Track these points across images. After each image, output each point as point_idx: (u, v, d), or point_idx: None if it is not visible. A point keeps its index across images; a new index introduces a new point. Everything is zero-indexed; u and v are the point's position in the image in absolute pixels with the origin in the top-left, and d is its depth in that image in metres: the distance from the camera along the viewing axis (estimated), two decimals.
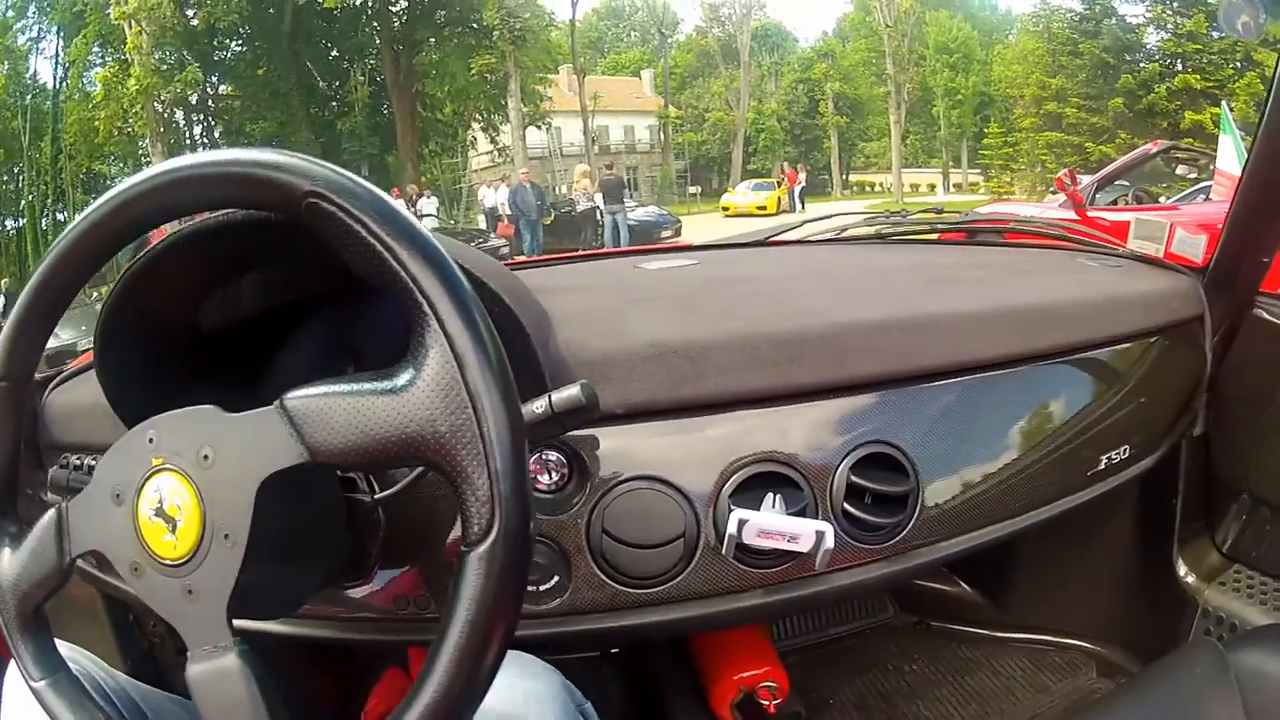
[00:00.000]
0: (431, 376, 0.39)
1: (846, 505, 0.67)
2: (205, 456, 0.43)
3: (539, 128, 16.87)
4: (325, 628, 0.67)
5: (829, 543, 0.63)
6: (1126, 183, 4.81)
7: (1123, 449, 0.86)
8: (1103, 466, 0.84)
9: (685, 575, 0.65)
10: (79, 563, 0.48)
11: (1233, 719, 0.74)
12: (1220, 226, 0.92)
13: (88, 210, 0.46)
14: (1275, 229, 0.89)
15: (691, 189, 18.86)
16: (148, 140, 14.05)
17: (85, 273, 0.47)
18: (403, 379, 0.40)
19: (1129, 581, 1.12)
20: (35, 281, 0.47)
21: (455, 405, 0.39)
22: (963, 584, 1.32)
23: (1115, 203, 4.39)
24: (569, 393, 0.48)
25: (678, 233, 12.29)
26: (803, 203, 16.03)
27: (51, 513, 0.48)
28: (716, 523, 0.65)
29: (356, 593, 0.64)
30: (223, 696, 0.42)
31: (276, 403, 0.42)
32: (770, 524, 0.62)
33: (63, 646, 0.50)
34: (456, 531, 0.61)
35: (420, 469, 0.59)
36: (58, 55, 14.05)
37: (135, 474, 0.45)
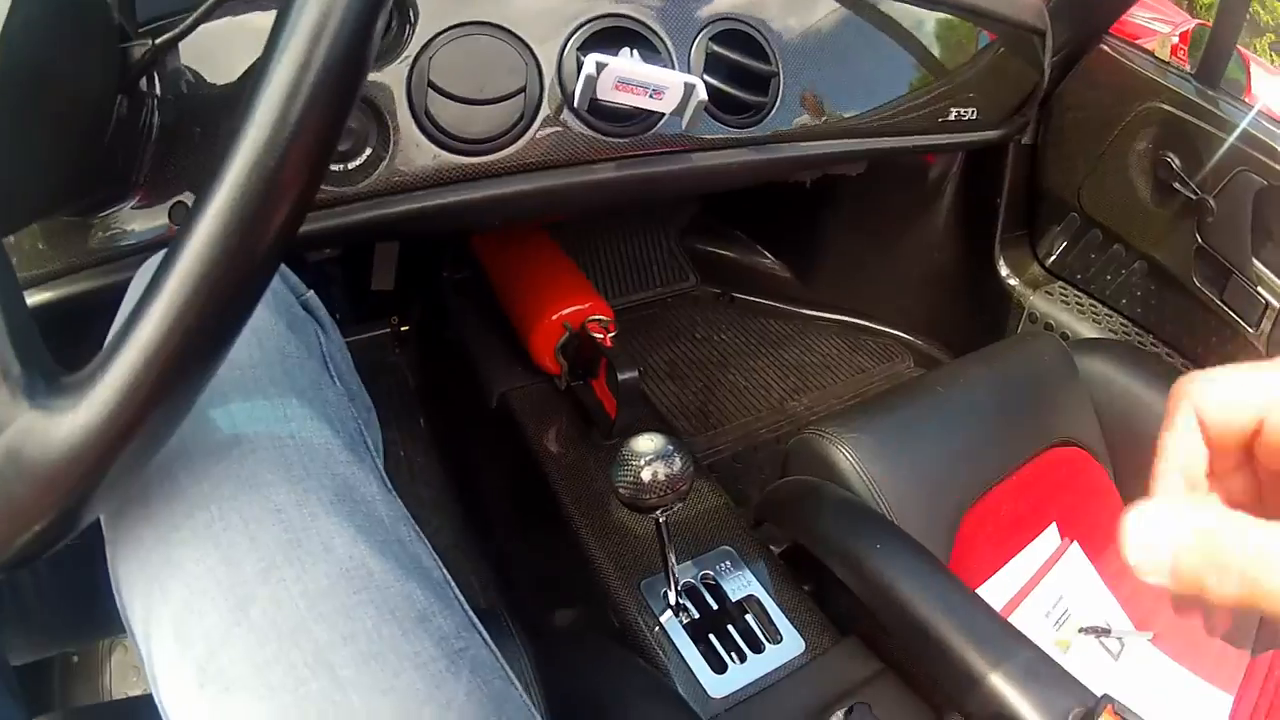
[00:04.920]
0: None
1: (707, 77, 0.61)
2: None
3: None
4: (81, 281, 0.50)
5: (701, 95, 0.55)
6: None
7: (970, 110, 0.85)
8: (952, 118, 0.83)
9: (525, 139, 0.56)
10: None
11: (1081, 402, 0.76)
12: None
13: None
14: None
15: None
16: None
17: None
18: None
19: (949, 278, 1.15)
20: None
21: None
22: (768, 255, 1.29)
23: None
24: None
25: None
26: None
27: None
28: (563, 78, 0.56)
29: (117, 221, 0.49)
30: None
31: None
32: (632, 72, 0.53)
33: None
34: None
35: None
36: None
37: None
